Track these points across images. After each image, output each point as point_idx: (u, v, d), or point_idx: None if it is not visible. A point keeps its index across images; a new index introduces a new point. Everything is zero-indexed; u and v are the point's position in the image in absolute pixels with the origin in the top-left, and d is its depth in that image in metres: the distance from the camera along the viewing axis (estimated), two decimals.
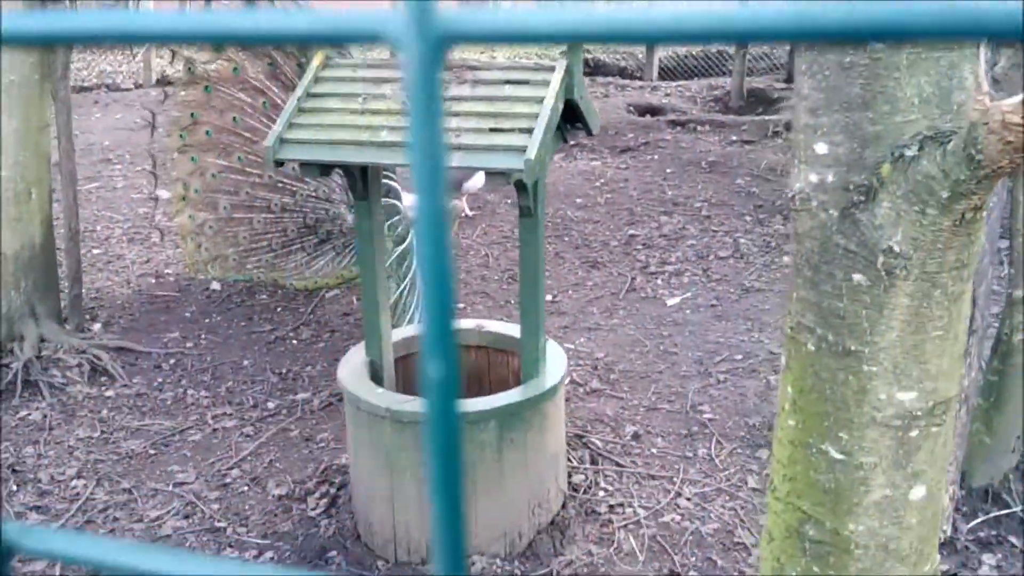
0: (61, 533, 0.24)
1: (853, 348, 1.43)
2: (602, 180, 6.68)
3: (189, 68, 4.23)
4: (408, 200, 4.18)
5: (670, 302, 4.81)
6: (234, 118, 4.14)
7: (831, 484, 1.51)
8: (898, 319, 1.40)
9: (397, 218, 4.08)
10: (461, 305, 4.88)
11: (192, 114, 4.23)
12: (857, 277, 1.39)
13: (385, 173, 3.82)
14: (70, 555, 0.24)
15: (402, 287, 3.99)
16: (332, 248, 4.34)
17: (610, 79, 9.96)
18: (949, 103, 1.32)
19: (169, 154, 4.43)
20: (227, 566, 0.24)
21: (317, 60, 2.96)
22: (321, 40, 0.20)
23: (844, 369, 1.45)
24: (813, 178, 1.41)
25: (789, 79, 9.21)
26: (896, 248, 1.33)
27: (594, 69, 10.25)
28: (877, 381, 1.44)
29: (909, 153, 1.30)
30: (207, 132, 4.19)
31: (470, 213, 6.08)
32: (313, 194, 4.22)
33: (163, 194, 5.48)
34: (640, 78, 10.13)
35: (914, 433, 1.48)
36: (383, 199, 3.95)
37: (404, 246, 4.06)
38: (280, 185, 4.18)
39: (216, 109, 4.18)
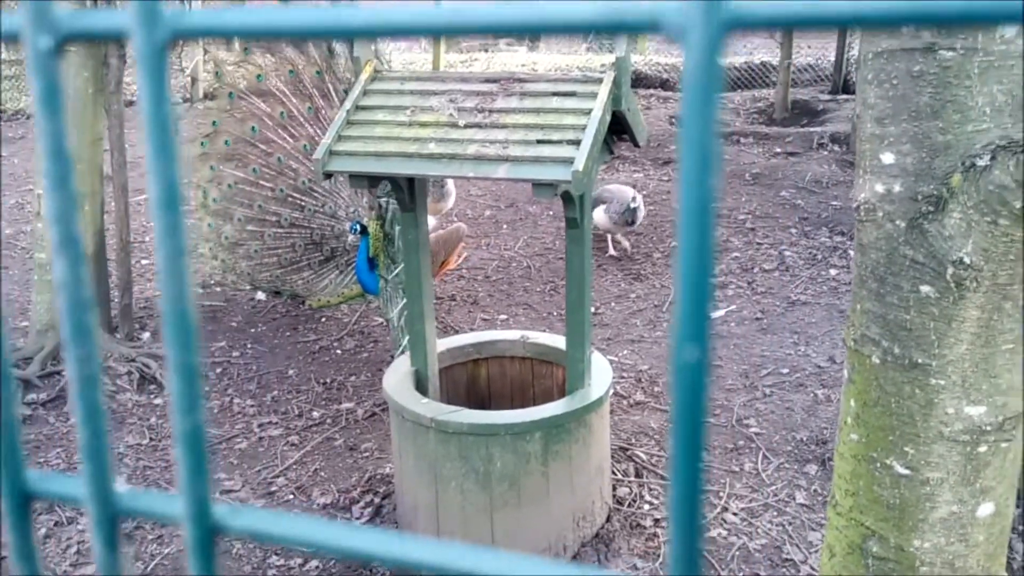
0: (266, 514, 0.24)
1: (920, 361, 1.40)
2: (645, 192, 6.66)
3: (217, 73, 4.30)
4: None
5: (714, 315, 4.77)
6: (252, 128, 4.19)
7: (896, 500, 1.48)
8: (967, 332, 1.37)
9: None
10: (503, 316, 4.88)
11: (213, 122, 4.29)
12: (925, 289, 1.37)
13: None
14: (273, 534, 0.24)
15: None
16: (336, 267, 4.35)
17: (652, 91, 9.94)
18: (1022, 112, 1.30)
19: (189, 161, 4.49)
20: (406, 542, 0.24)
21: (365, 73, 2.99)
22: (598, 28, 0.20)
23: (910, 382, 1.42)
24: (879, 188, 1.39)
25: (834, 91, 9.12)
26: (966, 259, 1.31)
27: (636, 81, 10.26)
28: (945, 395, 1.41)
29: (981, 163, 1.28)
30: (226, 141, 4.25)
31: (625, 246, 5.61)
32: (320, 209, 4.24)
33: None
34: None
35: (983, 448, 1.44)
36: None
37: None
38: (290, 199, 4.22)
39: (236, 118, 4.23)
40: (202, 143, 4.32)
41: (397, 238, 3.98)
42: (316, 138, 4.10)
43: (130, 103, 8.84)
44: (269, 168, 4.19)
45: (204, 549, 0.23)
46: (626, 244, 5.55)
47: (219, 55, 4.35)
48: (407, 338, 3.84)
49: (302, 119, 4.15)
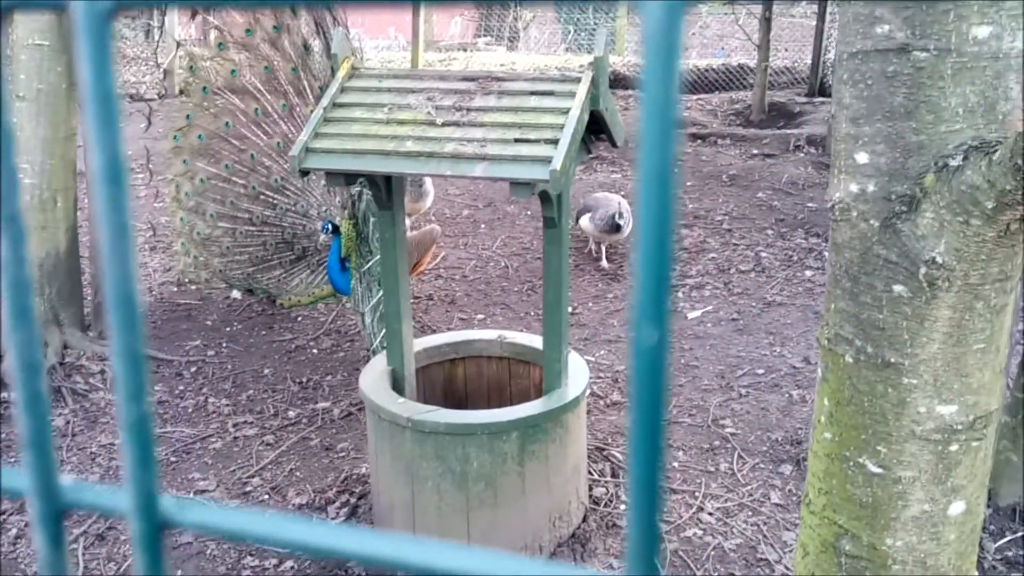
0: (215, 508, 0.24)
1: (893, 360, 1.41)
2: (622, 192, 6.67)
3: (191, 67, 4.26)
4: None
5: (691, 315, 4.79)
6: (226, 123, 4.16)
7: (868, 498, 1.48)
8: (939, 331, 1.38)
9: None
10: (481, 316, 4.87)
11: (188, 116, 4.25)
12: (898, 288, 1.38)
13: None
14: (222, 528, 0.23)
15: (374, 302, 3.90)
16: (307, 266, 4.34)
17: (631, 92, 9.98)
18: (995, 113, 1.31)
19: (164, 155, 4.47)
20: (364, 536, 0.23)
21: (343, 70, 2.97)
22: None
23: (883, 381, 1.43)
24: (853, 188, 1.40)
25: (811, 93, 9.19)
26: (939, 259, 1.32)
27: (614, 82, 10.29)
28: (917, 394, 1.42)
29: (953, 163, 1.29)
30: (199, 136, 4.22)
31: (604, 265, 5.47)
32: (292, 208, 4.23)
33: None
34: None
35: (954, 447, 1.45)
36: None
37: (372, 262, 3.96)
38: (262, 197, 4.20)
39: (210, 113, 4.20)
40: (175, 137, 4.29)
41: (371, 232, 3.97)
42: (290, 135, 4.07)
43: None
44: (242, 165, 4.17)
45: (151, 544, 0.22)
46: (605, 264, 5.52)
47: (194, 50, 4.32)
48: (379, 338, 3.83)
49: (276, 116, 4.13)
